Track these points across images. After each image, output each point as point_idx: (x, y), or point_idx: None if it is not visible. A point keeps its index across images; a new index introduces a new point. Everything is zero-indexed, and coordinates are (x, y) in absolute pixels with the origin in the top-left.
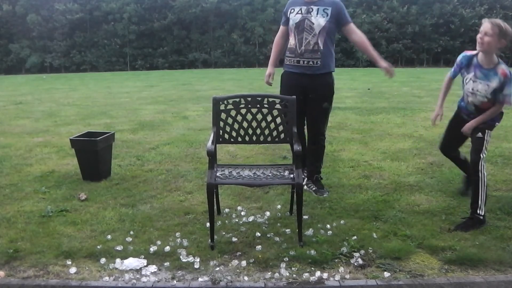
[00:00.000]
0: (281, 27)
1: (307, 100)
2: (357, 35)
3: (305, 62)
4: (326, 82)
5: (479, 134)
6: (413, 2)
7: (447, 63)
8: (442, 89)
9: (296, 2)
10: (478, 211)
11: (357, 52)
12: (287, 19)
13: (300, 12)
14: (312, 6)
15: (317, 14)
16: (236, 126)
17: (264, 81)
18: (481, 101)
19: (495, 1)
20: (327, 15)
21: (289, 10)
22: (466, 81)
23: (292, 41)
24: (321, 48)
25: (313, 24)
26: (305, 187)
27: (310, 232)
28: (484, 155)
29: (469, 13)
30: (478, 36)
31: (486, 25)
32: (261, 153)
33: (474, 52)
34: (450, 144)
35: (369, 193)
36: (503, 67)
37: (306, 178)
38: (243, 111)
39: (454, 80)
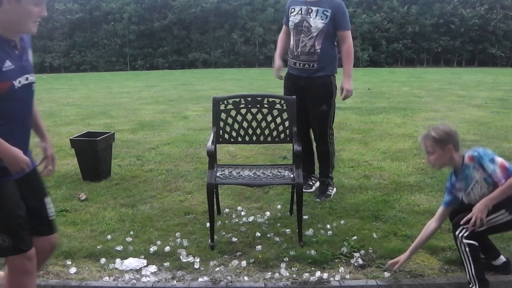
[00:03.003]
0: (283, 27)
1: (307, 102)
2: (346, 46)
3: (300, 64)
4: (323, 85)
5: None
6: (413, 2)
7: (447, 63)
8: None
9: (296, 1)
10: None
11: (357, 52)
12: (288, 19)
13: (300, 12)
14: (311, 7)
15: (316, 15)
16: (236, 126)
17: (274, 75)
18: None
19: (495, 1)
20: (327, 18)
21: (290, 9)
22: (461, 199)
23: (291, 42)
24: (318, 51)
25: (311, 26)
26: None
27: (310, 232)
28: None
29: (469, 13)
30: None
31: (421, 145)
32: (261, 153)
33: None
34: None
35: (369, 193)
36: (466, 156)
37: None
38: (243, 111)
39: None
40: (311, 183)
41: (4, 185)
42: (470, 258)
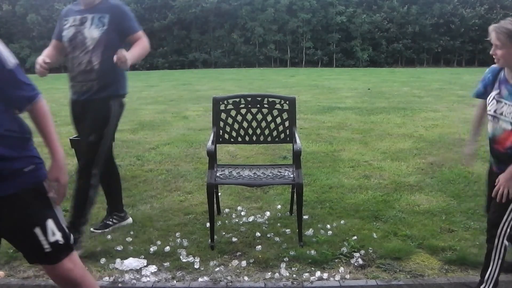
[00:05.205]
0: (52, 40)
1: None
2: (138, 42)
3: (77, 87)
4: (98, 109)
5: None
6: (413, 2)
7: (447, 63)
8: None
9: (70, 11)
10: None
11: (357, 52)
12: (60, 33)
13: (73, 24)
14: (86, 15)
15: (92, 24)
16: (236, 126)
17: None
18: (503, 128)
19: (495, 1)
20: (103, 25)
21: (63, 22)
22: (489, 101)
23: (68, 63)
24: (96, 67)
25: (86, 38)
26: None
27: (310, 232)
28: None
29: (469, 13)
30: (491, 51)
31: (492, 35)
32: (261, 153)
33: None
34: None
35: (369, 193)
36: None
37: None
38: (243, 111)
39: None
40: (108, 222)
41: None
42: (501, 260)
